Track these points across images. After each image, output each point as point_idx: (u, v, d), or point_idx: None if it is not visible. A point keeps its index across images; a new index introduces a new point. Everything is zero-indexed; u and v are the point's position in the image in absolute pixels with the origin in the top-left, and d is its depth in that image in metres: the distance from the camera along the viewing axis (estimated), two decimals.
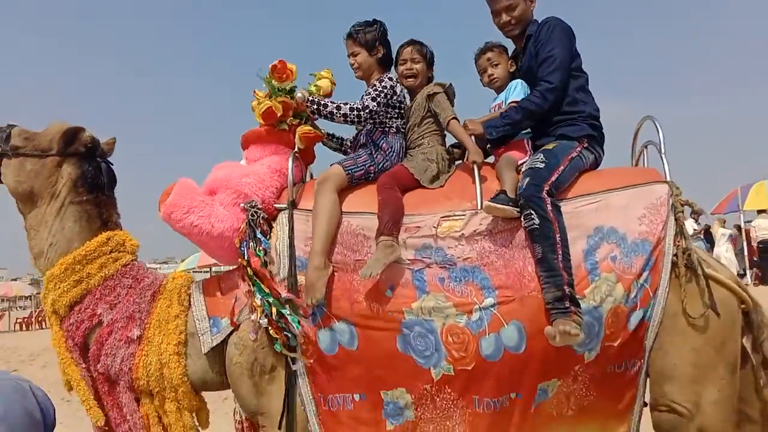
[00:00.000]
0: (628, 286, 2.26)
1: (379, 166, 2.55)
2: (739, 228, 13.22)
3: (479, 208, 2.37)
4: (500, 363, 2.23)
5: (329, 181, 2.42)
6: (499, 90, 2.76)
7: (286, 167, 2.52)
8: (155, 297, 2.48)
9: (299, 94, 2.54)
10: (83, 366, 2.42)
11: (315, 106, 2.55)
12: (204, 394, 2.57)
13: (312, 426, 2.34)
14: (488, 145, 2.69)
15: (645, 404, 2.38)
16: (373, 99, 2.54)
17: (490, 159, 2.71)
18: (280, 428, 2.29)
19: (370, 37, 2.66)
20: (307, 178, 2.76)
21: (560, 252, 2.22)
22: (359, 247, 2.36)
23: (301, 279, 2.33)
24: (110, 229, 2.53)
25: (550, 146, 2.49)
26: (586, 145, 2.54)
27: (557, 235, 2.24)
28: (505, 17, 2.69)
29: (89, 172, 2.53)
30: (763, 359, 2.39)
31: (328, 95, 2.72)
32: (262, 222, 2.42)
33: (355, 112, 2.52)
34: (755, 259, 12.61)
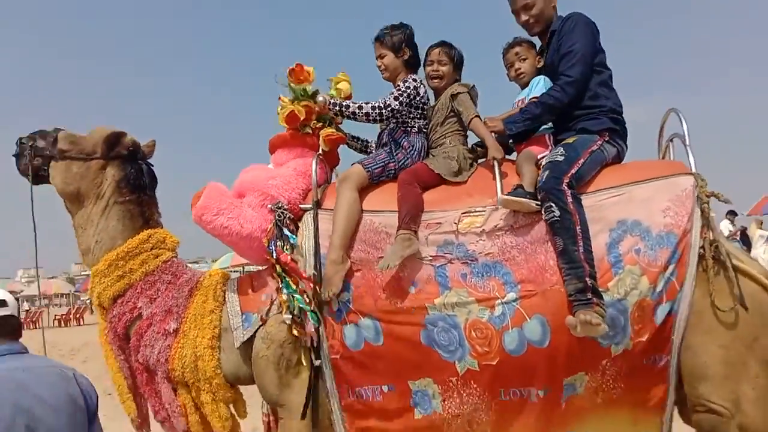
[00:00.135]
0: (654, 278, 2.23)
1: (400, 164, 2.61)
2: None
3: (499, 203, 2.39)
4: (524, 357, 2.23)
5: (349, 180, 2.50)
6: (524, 85, 2.77)
7: (310, 169, 2.61)
8: (192, 292, 2.59)
9: (320, 98, 2.63)
10: (122, 357, 2.56)
11: (337, 108, 2.64)
12: (242, 387, 2.65)
13: (335, 417, 2.40)
14: (510, 141, 2.70)
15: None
16: (396, 98, 2.61)
17: (514, 156, 2.71)
18: (303, 419, 2.36)
19: (396, 40, 2.73)
20: (333, 180, 2.83)
21: (581, 244, 2.22)
22: (382, 245, 2.40)
23: None
24: (151, 227, 2.67)
25: (570, 140, 2.49)
26: (607, 138, 2.52)
27: (578, 227, 2.24)
28: (524, 16, 2.72)
29: (132, 174, 2.67)
30: None
31: (348, 98, 2.80)
32: (288, 222, 2.51)
33: (377, 111, 2.59)
34: None
